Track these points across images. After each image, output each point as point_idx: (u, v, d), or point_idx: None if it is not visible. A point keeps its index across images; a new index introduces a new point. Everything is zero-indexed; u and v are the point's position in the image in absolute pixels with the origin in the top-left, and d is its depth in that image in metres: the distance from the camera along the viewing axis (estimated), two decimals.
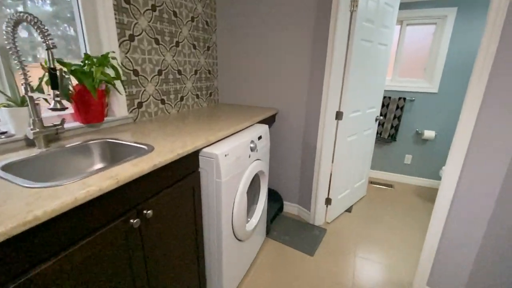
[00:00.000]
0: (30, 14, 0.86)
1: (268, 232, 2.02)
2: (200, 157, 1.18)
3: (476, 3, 2.36)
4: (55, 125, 1.05)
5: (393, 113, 2.86)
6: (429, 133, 2.75)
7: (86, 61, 1.17)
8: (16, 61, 0.92)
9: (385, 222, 2.26)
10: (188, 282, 1.25)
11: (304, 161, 2.17)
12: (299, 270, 1.70)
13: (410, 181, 3.05)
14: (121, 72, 1.39)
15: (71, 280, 0.70)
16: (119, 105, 1.43)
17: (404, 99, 2.77)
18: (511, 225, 1.18)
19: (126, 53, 1.43)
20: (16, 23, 0.89)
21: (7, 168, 0.84)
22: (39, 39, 1.28)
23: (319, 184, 2.08)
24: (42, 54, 1.31)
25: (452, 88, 2.61)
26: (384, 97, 2.85)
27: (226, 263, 1.34)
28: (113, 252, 0.82)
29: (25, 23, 0.93)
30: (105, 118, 1.36)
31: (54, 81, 0.89)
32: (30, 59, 1.18)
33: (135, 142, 1.10)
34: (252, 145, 1.43)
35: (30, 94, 0.97)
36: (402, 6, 2.55)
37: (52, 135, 1.12)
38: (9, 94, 1.06)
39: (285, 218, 2.28)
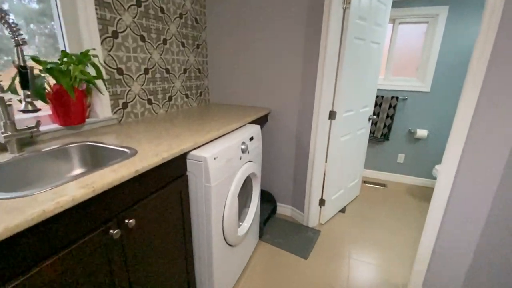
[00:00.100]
0: None
1: (261, 235, 1.97)
2: (187, 160, 1.12)
3: (467, 2, 2.36)
4: (29, 128, 0.97)
5: (386, 112, 2.84)
6: (421, 132, 2.75)
7: (64, 59, 1.09)
8: None
9: (379, 222, 2.25)
10: None
11: (297, 162, 2.13)
12: (293, 275, 1.65)
13: (403, 180, 3.05)
14: (103, 70, 1.31)
15: None
16: (102, 106, 1.35)
17: (397, 98, 2.75)
18: (508, 224, 1.16)
19: (109, 51, 1.36)
20: None
21: None
22: (26, 37, 1.20)
23: (313, 185, 2.04)
24: (30, 54, 1.23)
25: (444, 87, 2.61)
26: (377, 96, 2.84)
27: (217, 270, 1.28)
28: (91, 266, 0.75)
29: None
30: (87, 120, 1.28)
31: (25, 80, 0.82)
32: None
33: (117, 145, 1.03)
34: (243, 146, 1.37)
35: (0, 94, 0.89)
36: (395, 4, 2.54)
37: (27, 138, 1.04)
38: None
39: (279, 220, 2.23)
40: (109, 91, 1.39)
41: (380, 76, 2.88)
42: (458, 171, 1.23)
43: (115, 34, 1.37)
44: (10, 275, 0.56)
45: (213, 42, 2.15)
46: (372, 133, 2.97)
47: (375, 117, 2.45)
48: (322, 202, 2.16)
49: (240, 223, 1.53)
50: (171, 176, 1.05)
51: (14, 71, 0.90)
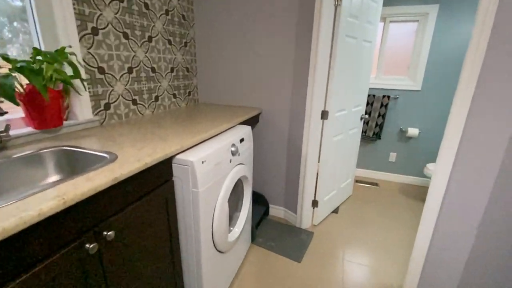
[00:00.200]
0: None
1: (253, 238, 1.91)
2: (173, 164, 1.06)
3: (457, 0, 2.36)
4: None
5: (378, 111, 2.83)
6: (413, 131, 2.75)
7: (37, 57, 1.01)
8: None
9: (372, 222, 2.23)
10: None
11: (289, 162, 2.08)
12: (286, 279, 1.61)
13: (395, 179, 3.05)
14: (82, 69, 1.23)
15: None
16: (82, 107, 1.27)
17: (388, 97, 2.75)
18: (504, 224, 1.14)
19: (89, 49, 1.27)
20: None
21: None
22: (9, 35, 1.12)
23: (305, 186, 2.00)
24: (14, 53, 1.14)
25: (435, 85, 2.61)
26: (369, 95, 2.82)
27: (206, 279, 1.22)
28: (65, 285, 0.68)
29: None
30: (65, 122, 1.20)
31: None
32: None
33: (96, 150, 0.96)
34: (233, 148, 1.32)
35: None
36: (385, 3, 2.52)
37: None
38: None
39: (271, 222, 2.18)
40: (89, 92, 1.30)
41: (372, 75, 2.87)
42: (453, 171, 1.21)
43: (95, 31, 1.29)
44: None
45: (201, 39, 2.08)
46: (364, 132, 2.95)
47: (367, 116, 2.43)
48: (315, 203, 2.12)
49: (231, 228, 1.48)
50: (156, 182, 0.99)
51: None
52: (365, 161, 3.13)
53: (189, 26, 1.99)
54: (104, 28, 1.33)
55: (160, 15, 1.69)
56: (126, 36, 1.46)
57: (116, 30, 1.39)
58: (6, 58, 0.95)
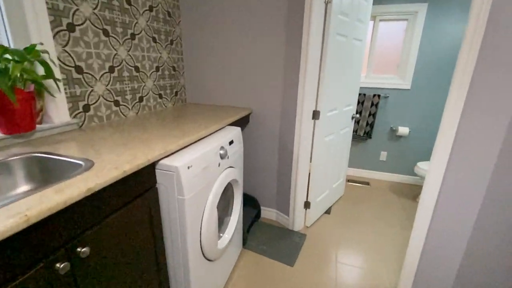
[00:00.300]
0: None
1: (244, 242, 1.86)
2: (157, 170, 0.99)
3: None
4: None
5: (368, 110, 2.82)
6: (403, 130, 2.75)
7: (4, 56, 0.92)
8: None
9: (364, 222, 2.21)
10: None
11: (281, 164, 2.04)
12: (279, 284, 1.56)
13: (386, 177, 3.06)
14: (56, 69, 1.14)
15: None
16: (57, 109, 1.18)
17: (379, 96, 2.74)
18: (499, 221, 1.13)
19: (64, 46, 1.18)
20: None
21: None
22: None
23: (297, 187, 1.96)
24: None
25: (424, 84, 2.62)
26: (359, 94, 2.81)
27: None
28: None
29: None
30: (39, 126, 1.11)
31: None
32: None
33: (71, 157, 0.88)
34: (222, 151, 1.26)
35: None
36: (375, 1, 2.51)
37: None
38: None
39: (263, 225, 2.13)
40: (66, 92, 1.21)
41: (362, 73, 2.86)
42: (448, 169, 1.19)
43: (71, 27, 1.20)
44: None
45: (188, 37, 2.00)
46: (355, 131, 2.94)
47: (358, 115, 2.41)
48: (307, 204, 2.08)
49: (221, 235, 1.42)
50: (138, 190, 0.92)
51: None
52: (356, 160, 3.12)
53: (175, 24, 1.91)
54: (81, 25, 1.24)
55: (144, 11, 1.60)
56: (106, 33, 1.37)
57: (95, 26, 1.30)
58: None
